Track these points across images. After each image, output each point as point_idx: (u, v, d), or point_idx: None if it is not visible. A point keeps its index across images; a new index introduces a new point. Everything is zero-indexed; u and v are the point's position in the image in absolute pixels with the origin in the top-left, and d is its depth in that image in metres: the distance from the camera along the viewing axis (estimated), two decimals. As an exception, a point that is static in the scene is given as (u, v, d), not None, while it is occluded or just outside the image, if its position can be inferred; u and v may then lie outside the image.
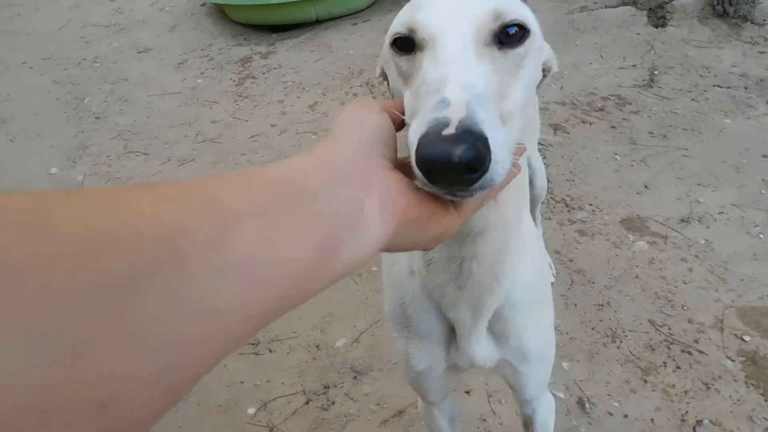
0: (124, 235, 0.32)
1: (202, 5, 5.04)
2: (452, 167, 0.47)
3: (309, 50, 4.07)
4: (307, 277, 0.42)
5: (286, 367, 2.00)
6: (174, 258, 0.33)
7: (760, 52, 3.26)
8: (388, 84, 0.74)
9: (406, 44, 0.62)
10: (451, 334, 0.93)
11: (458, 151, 0.46)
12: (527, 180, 1.13)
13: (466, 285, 0.80)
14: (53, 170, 3.41)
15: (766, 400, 1.74)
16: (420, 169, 0.49)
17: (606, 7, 3.93)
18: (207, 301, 0.35)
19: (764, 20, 3.47)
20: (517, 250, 0.80)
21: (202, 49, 4.43)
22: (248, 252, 0.37)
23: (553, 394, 1.78)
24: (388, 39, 0.65)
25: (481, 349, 0.92)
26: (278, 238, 0.40)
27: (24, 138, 3.67)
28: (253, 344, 2.10)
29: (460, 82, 0.52)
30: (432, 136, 0.48)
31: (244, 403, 1.89)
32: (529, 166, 1.73)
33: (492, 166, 0.48)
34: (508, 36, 0.60)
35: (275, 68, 3.95)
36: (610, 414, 1.75)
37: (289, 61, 4.00)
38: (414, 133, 0.51)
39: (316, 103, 3.50)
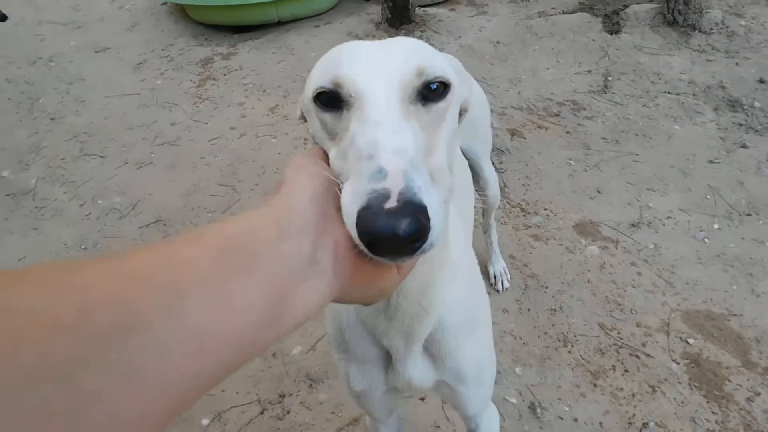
0: (71, 316, 0.33)
1: (162, 4, 4.95)
2: (397, 241, 0.47)
3: (270, 52, 4.04)
4: (258, 336, 0.44)
5: (240, 375, 1.99)
6: (122, 336, 0.34)
7: (707, 60, 3.37)
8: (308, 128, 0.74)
9: (331, 100, 0.61)
10: (388, 357, 0.94)
11: (402, 226, 0.47)
12: (461, 203, 1.15)
13: (395, 316, 0.81)
14: (5, 173, 3.31)
15: (708, 402, 1.81)
16: (363, 242, 0.49)
17: (563, 12, 4.01)
18: (157, 374, 0.36)
19: (711, 29, 3.58)
20: (446, 279, 0.82)
21: (162, 49, 4.36)
22: (197, 324, 0.39)
23: (506, 400, 1.83)
24: (310, 91, 0.64)
25: (418, 371, 0.94)
26: (227, 306, 0.41)
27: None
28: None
29: (393, 147, 0.52)
30: (374, 210, 0.48)
31: (198, 415, 1.88)
32: (482, 178, 1.76)
33: (432, 232, 0.49)
34: (431, 91, 0.62)
35: (236, 70, 3.91)
36: (561, 418, 1.80)
37: (250, 62, 3.96)
38: (351, 203, 0.51)
39: (276, 105, 3.48)
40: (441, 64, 0.64)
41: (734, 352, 1.93)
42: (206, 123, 3.42)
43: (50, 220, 2.90)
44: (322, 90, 0.61)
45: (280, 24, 4.34)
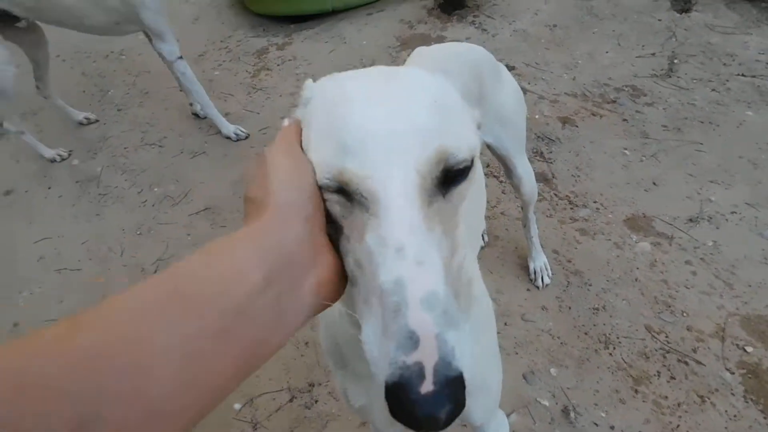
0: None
1: (223, -4, 5.06)
2: (436, 425, 0.43)
3: (323, 41, 4.04)
4: (236, 374, 0.44)
5: (274, 362, 2.00)
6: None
7: (791, 38, 3.08)
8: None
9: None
10: None
11: (442, 413, 0.42)
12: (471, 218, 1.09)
13: None
14: (75, 161, 3.49)
15: (765, 417, 1.66)
16: (397, 419, 0.44)
17: (631, -9, 3.77)
18: None
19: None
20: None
21: (221, 41, 4.45)
22: (166, 391, 0.39)
23: (538, 401, 1.75)
24: (318, 171, 0.55)
25: None
26: (201, 371, 0.41)
27: (51, 129, 3.77)
28: (244, 341, 2.12)
29: (422, 295, 0.46)
30: (409, 394, 0.43)
31: (231, 398, 1.91)
32: (515, 175, 1.67)
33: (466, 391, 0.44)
34: (453, 174, 0.53)
35: (290, 60, 3.94)
36: (596, 425, 1.70)
37: (303, 52, 3.98)
38: (379, 359, 0.46)
39: (326, 95, 3.48)
40: (466, 134, 0.55)
41: (797, 362, 1.76)
42: (258, 113, 3.47)
43: (111, 207, 3.03)
44: (327, 186, 0.54)
45: (334, 13, 4.33)
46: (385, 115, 0.53)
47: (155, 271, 2.47)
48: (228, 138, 3.28)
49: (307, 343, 2.06)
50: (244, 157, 3.13)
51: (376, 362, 0.46)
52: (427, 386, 0.42)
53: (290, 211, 0.49)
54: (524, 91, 3.07)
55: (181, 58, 2.99)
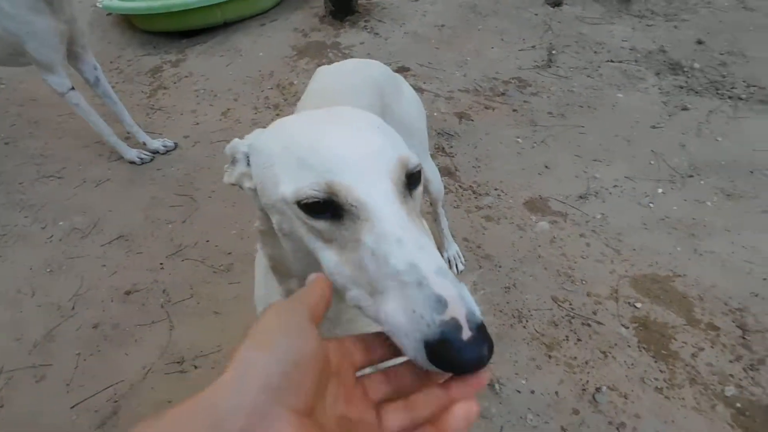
0: None
1: (108, 14, 4.89)
2: (483, 363, 0.53)
3: (218, 55, 4.03)
4: None
5: (211, 382, 2.03)
6: None
7: (647, 25, 3.44)
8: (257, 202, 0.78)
9: (322, 206, 0.63)
10: None
11: (485, 351, 0.53)
12: None
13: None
14: (-38, 203, 3.29)
15: (656, 361, 1.90)
16: (448, 370, 0.53)
17: (507, -11, 4.04)
18: None
19: (652, -7, 3.65)
20: None
21: (110, 62, 4.31)
22: None
23: (465, 379, 1.89)
24: (288, 193, 0.65)
25: None
26: None
27: (-73, 173, 3.52)
28: (178, 362, 2.12)
29: (434, 268, 0.56)
30: (456, 344, 0.52)
31: None
32: (424, 178, 1.80)
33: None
34: (411, 178, 0.67)
35: (186, 76, 3.90)
36: (519, 392, 1.87)
37: (199, 68, 3.95)
38: (413, 330, 0.54)
39: (228, 109, 3.48)
40: (405, 146, 0.71)
41: (679, 312, 2.02)
42: (160, 134, 3.42)
43: (14, 247, 2.89)
44: (314, 200, 0.63)
45: (226, 25, 4.32)
46: (351, 142, 0.66)
47: (73, 308, 2.41)
48: (132, 162, 3.21)
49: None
50: (152, 180, 3.08)
51: (408, 330, 0.54)
52: (466, 333, 0.52)
53: (250, 375, 0.46)
54: (421, 90, 3.24)
55: (72, 89, 2.90)
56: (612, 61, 3.24)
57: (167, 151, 3.25)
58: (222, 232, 2.65)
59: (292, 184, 0.65)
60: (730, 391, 1.80)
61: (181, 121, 3.50)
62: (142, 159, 3.20)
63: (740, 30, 3.32)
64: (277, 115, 3.33)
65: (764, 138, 2.66)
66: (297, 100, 3.40)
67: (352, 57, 3.67)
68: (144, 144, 3.25)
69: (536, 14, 3.69)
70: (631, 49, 3.29)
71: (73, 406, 2.04)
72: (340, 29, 3.93)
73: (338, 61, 3.56)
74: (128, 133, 3.29)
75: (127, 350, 2.21)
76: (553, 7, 3.70)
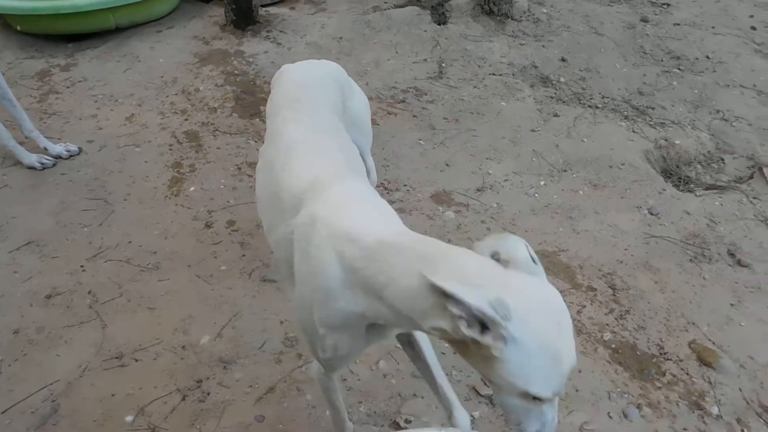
0: None
1: (-24, 14, 4.58)
2: None
3: (114, 60, 3.97)
4: None
5: (155, 372, 2.11)
6: None
7: (520, 44, 3.96)
8: None
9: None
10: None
11: None
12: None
13: None
14: None
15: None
16: None
17: (395, 6, 4.41)
18: None
19: (521, 17, 4.19)
20: None
21: (-14, 64, 4.08)
22: None
23: (396, 347, 2.15)
24: (538, 393, 1.00)
25: None
26: None
27: None
28: (117, 358, 2.17)
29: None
30: None
31: (120, 413, 1.98)
32: (366, 167, 2.06)
33: None
34: None
35: (80, 81, 3.81)
36: (443, 353, 2.16)
37: (94, 73, 3.87)
38: None
39: (132, 114, 3.48)
40: None
41: (565, 279, 2.44)
42: (59, 138, 3.33)
43: None
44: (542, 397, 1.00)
45: (118, 31, 4.26)
46: (574, 361, 1.00)
47: (-12, 314, 2.35)
48: (32, 168, 3.11)
49: (183, 347, 2.20)
50: (57, 185, 3.01)
51: None
52: None
53: None
54: (328, 97, 3.47)
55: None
56: (494, 74, 3.69)
57: (71, 156, 3.19)
58: (144, 233, 2.70)
59: (545, 388, 0.97)
60: (607, 336, 2.23)
61: (81, 126, 3.43)
62: (43, 164, 3.11)
63: (594, 51, 3.94)
64: (186, 120, 3.40)
65: (617, 139, 3.22)
66: (204, 105, 3.50)
67: (256, 65, 3.82)
68: (45, 149, 3.16)
69: (425, 31, 4.08)
70: (509, 64, 3.77)
71: (4, 411, 2.02)
72: (243, 38, 4.06)
73: (244, 68, 3.71)
74: (26, 138, 3.18)
75: (57, 351, 2.21)
76: (440, 25, 4.11)
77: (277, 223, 1.43)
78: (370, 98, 3.49)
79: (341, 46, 3.99)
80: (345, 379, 2.07)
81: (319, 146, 1.51)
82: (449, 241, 2.60)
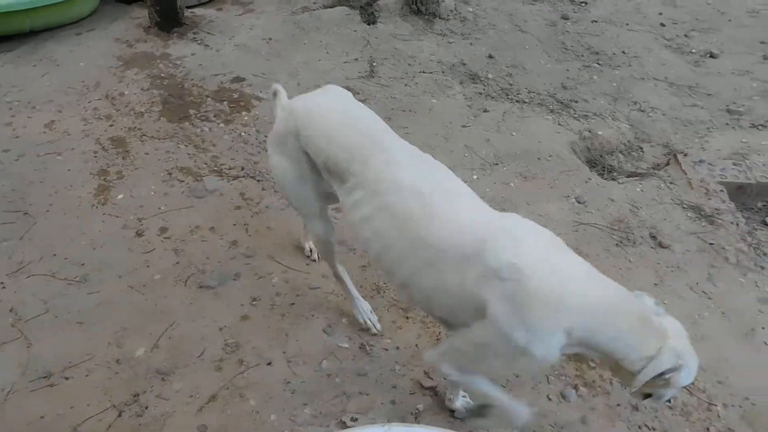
0: None
1: None
2: None
3: (30, 65, 3.78)
4: None
5: (88, 389, 2.02)
6: None
7: (449, 42, 4.04)
8: None
9: None
10: None
11: None
12: None
13: None
14: None
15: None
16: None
17: (324, 7, 4.40)
18: None
19: (448, 16, 4.27)
20: None
21: None
22: None
23: (339, 346, 2.16)
24: None
25: None
26: None
27: None
28: (45, 377, 2.06)
29: None
30: None
31: (52, 435, 1.89)
32: None
33: None
34: None
35: (-8, 87, 3.60)
36: (386, 350, 2.18)
37: (7, 78, 3.67)
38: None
39: (52, 121, 3.32)
40: None
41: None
42: (-29, 149, 3.14)
43: None
44: None
45: (33, 34, 4.05)
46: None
47: None
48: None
49: (118, 361, 2.12)
50: (-29, 198, 2.83)
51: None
52: None
53: None
54: (259, 99, 3.43)
55: None
56: (424, 72, 3.75)
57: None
58: (70, 244, 2.58)
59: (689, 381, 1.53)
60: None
61: (-2, 133, 3.24)
62: (-46, 176, 2.92)
63: (519, 48, 4.06)
64: (111, 125, 3.27)
65: (544, 132, 3.34)
66: (130, 110, 3.38)
67: (184, 68, 3.72)
68: (-46, 160, 2.97)
69: (355, 31, 4.09)
70: (438, 62, 3.84)
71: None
72: (168, 40, 3.94)
73: (171, 71, 3.61)
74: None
75: (-24, 376, 2.08)
76: (369, 24, 4.13)
77: (431, 271, 1.51)
78: (302, 99, 3.48)
79: (271, 47, 3.94)
80: (289, 382, 2.05)
81: (447, 186, 1.64)
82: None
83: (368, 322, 2.22)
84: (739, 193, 3.08)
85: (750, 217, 2.97)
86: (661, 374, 1.40)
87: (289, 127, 1.84)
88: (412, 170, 1.62)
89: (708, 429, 1.99)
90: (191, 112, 3.38)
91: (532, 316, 1.38)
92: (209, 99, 3.48)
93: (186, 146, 3.14)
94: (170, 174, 2.97)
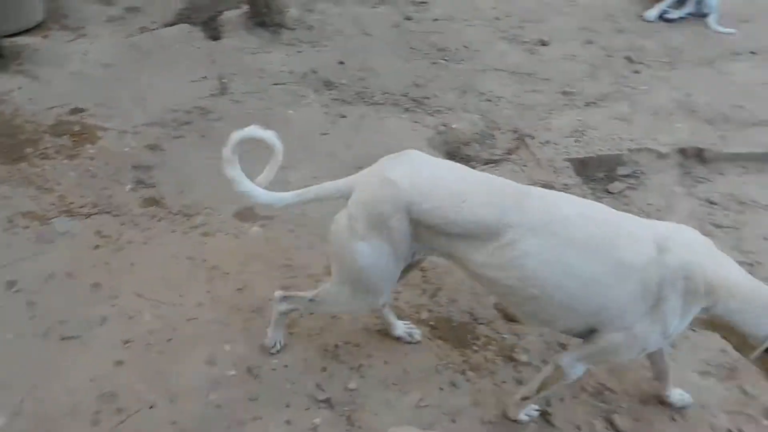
0: None
1: None
2: None
3: None
4: None
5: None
6: None
7: (298, 52, 4.04)
8: None
9: None
10: None
11: None
12: None
13: None
14: None
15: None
16: None
17: (164, 25, 4.22)
18: None
19: (294, 26, 4.28)
20: None
21: None
22: None
23: (225, 374, 2.08)
24: None
25: None
26: None
27: None
28: None
29: None
30: None
31: None
32: None
33: None
34: None
35: None
36: (274, 370, 2.14)
37: None
38: None
39: None
40: None
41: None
42: None
43: None
44: None
45: None
46: None
47: None
48: None
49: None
50: None
51: None
52: None
53: None
54: (104, 129, 3.22)
55: None
56: (277, 84, 3.71)
57: None
58: None
59: None
60: (425, 315, 2.39)
61: None
62: None
63: (367, 52, 4.15)
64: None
65: (402, 131, 3.44)
66: None
67: (13, 103, 3.38)
68: None
69: (199, 48, 3.96)
70: (290, 72, 3.82)
71: None
72: (-15, 76, 3.57)
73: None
74: None
75: None
76: (214, 40, 4.02)
77: (616, 285, 1.69)
78: (152, 124, 3.31)
79: (110, 73, 3.71)
80: (175, 422, 1.94)
81: (598, 209, 1.85)
82: (260, 255, 2.57)
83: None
84: (582, 166, 3.38)
85: (595, 187, 3.27)
86: None
87: (398, 206, 1.75)
88: (569, 204, 1.81)
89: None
90: (27, 150, 3.09)
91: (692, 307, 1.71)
92: (46, 135, 3.20)
93: (26, 188, 2.87)
94: (11, 221, 2.69)
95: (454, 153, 3.38)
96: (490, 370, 2.24)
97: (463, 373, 2.21)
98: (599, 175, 3.37)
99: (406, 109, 3.64)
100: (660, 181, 3.38)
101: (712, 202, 3.28)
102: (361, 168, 3.09)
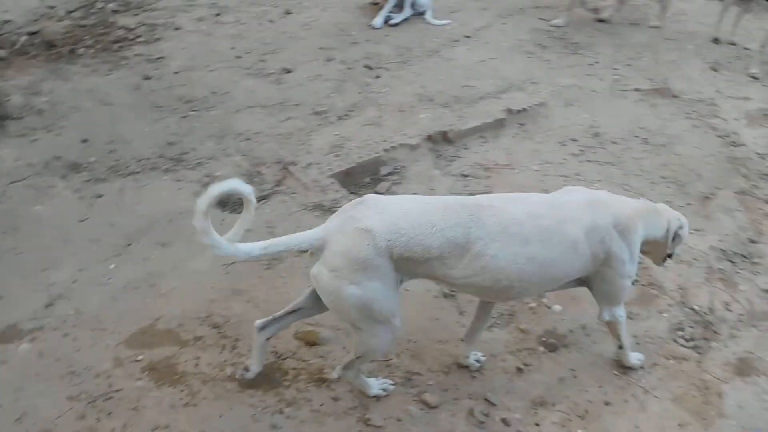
0: None
1: None
2: None
3: None
4: None
5: None
6: None
7: (32, 141, 3.72)
8: None
9: None
10: None
11: None
12: None
13: None
14: None
15: (174, 387, 2.29)
16: None
17: None
18: None
19: (21, 114, 3.93)
20: None
21: None
22: None
23: None
24: None
25: None
26: None
27: None
28: None
29: None
30: None
31: None
32: None
33: None
34: None
35: None
36: None
37: None
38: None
39: None
40: None
41: (172, 344, 2.48)
42: None
43: None
44: None
45: None
46: None
47: None
48: None
49: None
50: None
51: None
52: None
53: None
54: None
55: None
56: (15, 182, 3.38)
57: None
58: None
59: None
60: (229, 370, 2.37)
61: None
62: None
63: (112, 122, 3.94)
64: None
65: (166, 194, 3.35)
66: None
67: None
68: None
69: None
70: (28, 165, 3.50)
71: None
72: None
73: None
74: None
75: None
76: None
77: (570, 253, 2.14)
78: None
79: None
80: None
81: (534, 200, 2.29)
82: (36, 374, 2.34)
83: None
84: (347, 177, 3.58)
85: (364, 192, 3.45)
86: (675, 234, 2.33)
87: (379, 250, 1.90)
88: (515, 205, 2.12)
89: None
90: None
91: (635, 238, 2.25)
92: None
93: None
94: None
95: (225, 201, 3.37)
96: (306, 398, 2.30)
97: (281, 412, 2.25)
98: (365, 180, 3.61)
99: (166, 170, 3.55)
100: (418, 170, 3.71)
101: (464, 175, 3.69)
102: (131, 245, 2.97)
